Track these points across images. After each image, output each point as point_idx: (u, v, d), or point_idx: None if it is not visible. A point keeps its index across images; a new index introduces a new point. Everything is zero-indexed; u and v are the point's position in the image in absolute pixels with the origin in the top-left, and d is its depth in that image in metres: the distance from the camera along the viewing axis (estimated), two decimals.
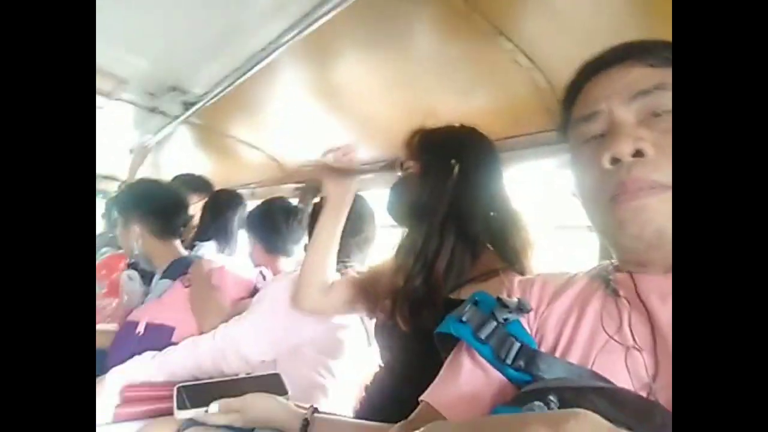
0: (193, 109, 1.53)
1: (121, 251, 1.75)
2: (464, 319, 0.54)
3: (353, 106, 1.38)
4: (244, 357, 1.11)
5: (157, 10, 1.10)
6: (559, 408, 0.40)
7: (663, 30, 0.69)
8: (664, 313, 0.46)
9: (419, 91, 1.15)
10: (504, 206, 0.88)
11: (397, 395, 0.80)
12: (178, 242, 1.49)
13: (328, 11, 0.87)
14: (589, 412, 0.29)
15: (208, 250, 1.74)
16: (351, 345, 1.19)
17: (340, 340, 1.17)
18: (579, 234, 0.96)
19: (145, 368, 1.10)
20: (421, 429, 0.36)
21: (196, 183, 2.09)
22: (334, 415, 0.81)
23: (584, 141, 0.53)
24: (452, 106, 1.10)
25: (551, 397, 0.40)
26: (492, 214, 0.86)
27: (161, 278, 1.40)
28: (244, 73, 1.28)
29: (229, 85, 1.37)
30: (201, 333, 1.21)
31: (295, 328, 1.12)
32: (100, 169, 3.06)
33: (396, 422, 0.61)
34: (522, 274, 0.81)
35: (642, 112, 0.48)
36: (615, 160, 0.47)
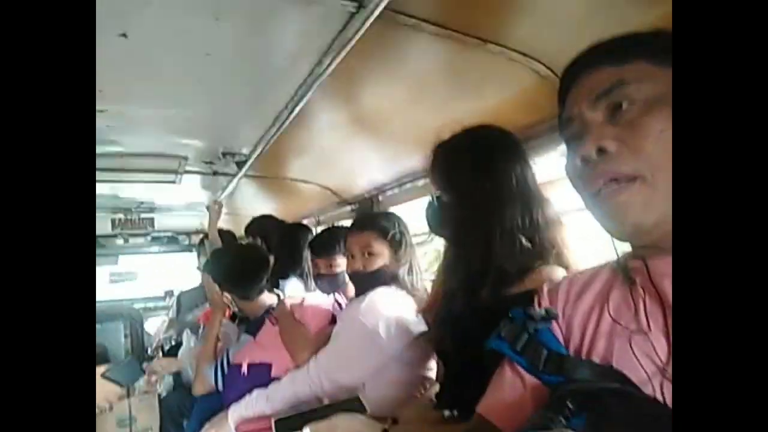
0: (245, 167, 1.71)
1: None
2: (502, 334, 0.61)
3: (379, 126, 1.45)
4: (338, 383, 1.21)
5: (195, 98, 1.27)
6: (576, 411, 0.44)
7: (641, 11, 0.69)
8: None
9: (433, 104, 1.19)
10: (534, 198, 0.86)
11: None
12: (265, 295, 1.69)
13: (345, 45, 0.89)
14: None
15: (291, 286, 1.89)
16: (424, 356, 1.26)
17: (420, 355, 1.25)
18: None
19: (256, 404, 1.27)
20: None
21: (270, 223, 2.31)
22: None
23: (568, 142, 0.57)
24: (465, 111, 1.12)
25: (569, 404, 0.45)
26: (525, 209, 0.84)
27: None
28: (280, 126, 1.41)
29: (270, 139, 1.53)
30: (295, 364, 1.36)
31: (375, 351, 1.21)
32: (189, 226, 3.48)
33: None
34: (560, 265, 0.82)
35: (607, 110, 0.51)
36: (585, 160, 0.51)
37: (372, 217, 1.38)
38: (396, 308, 1.24)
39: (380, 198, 1.91)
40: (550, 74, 0.94)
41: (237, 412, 1.25)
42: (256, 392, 1.30)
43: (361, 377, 1.24)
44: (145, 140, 1.59)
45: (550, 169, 1.02)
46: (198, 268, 2.99)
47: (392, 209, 1.71)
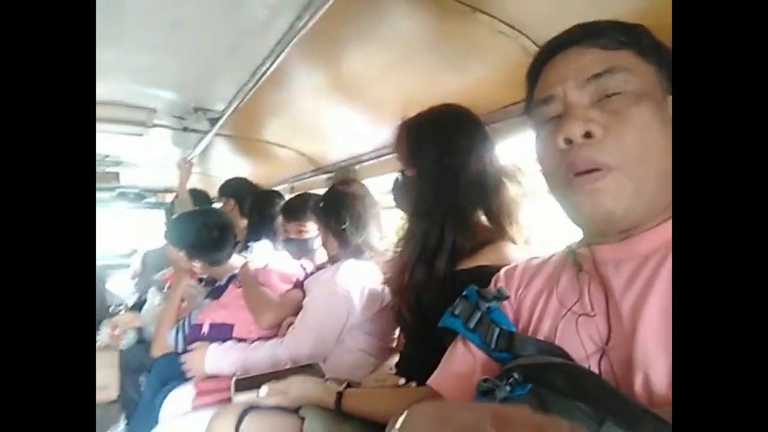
0: (218, 124, 1.64)
1: None
2: (456, 313, 0.62)
3: (360, 92, 1.41)
4: (311, 357, 1.22)
5: (166, 45, 1.20)
6: (521, 381, 0.46)
7: None
8: (616, 279, 0.51)
9: (417, 73, 1.17)
10: (493, 178, 0.91)
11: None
12: (232, 259, 1.68)
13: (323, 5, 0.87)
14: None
15: (260, 248, 1.87)
16: (386, 327, 1.30)
17: (382, 326, 1.29)
18: None
19: (233, 356, 1.28)
20: (405, 412, 0.42)
21: (244, 185, 2.25)
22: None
23: (543, 122, 0.55)
24: (449, 82, 1.11)
25: (514, 374, 0.46)
26: (484, 187, 0.89)
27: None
28: (257, 83, 1.35)
29: (245, 96, 1.46)
30: (258, 326, 1.37)
31: (338, 326, 1.24)
32: (157, 184, 3.36)
33: None
34: (513, 241, 0.86)
35: (594, 95, 0.50)
36: (567, 141, 0.50)
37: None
38: (366, 278, 1.27)
39: (357, 168, 1.87)
40: (537, 50, 0.92)
41: (218, 352, 1.29)
42: (231, 343, 1.32)
43: (328, 351, 1.26)
44: (109, 88, 1.49)
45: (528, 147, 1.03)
46: (165, 223, 2.96)
47: (368, 181, 1.69)
